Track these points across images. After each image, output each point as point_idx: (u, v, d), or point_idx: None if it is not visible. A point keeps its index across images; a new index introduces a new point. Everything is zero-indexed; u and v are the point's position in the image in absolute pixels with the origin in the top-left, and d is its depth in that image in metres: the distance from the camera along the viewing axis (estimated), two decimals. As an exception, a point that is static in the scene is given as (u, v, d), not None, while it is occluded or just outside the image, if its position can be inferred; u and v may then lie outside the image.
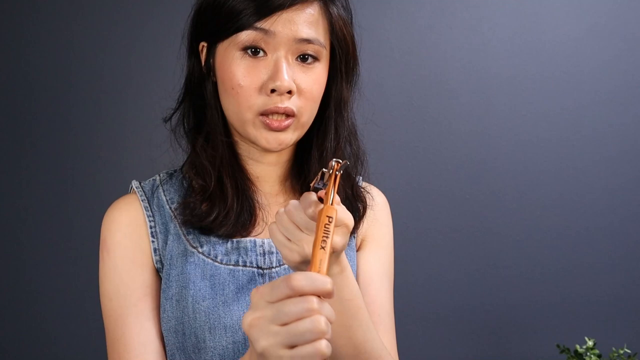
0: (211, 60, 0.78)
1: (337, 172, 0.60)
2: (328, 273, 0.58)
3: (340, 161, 0.61)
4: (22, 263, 1.63)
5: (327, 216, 0.56)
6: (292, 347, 0.50)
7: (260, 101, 0.73)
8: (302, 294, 0.51)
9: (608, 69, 1.67)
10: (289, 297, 0.51)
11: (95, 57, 1.63)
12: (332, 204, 0.57)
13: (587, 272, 1.68)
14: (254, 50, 0.73)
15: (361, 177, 0.87)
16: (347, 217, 0.62)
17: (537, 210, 1.68)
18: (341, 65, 0.78)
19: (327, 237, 0.55)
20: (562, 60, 1.67)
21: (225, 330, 0.74)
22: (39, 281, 1.63)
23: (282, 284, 0.51)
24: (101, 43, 1.63)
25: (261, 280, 0.77)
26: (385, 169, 1.63)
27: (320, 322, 0.50)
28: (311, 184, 0.64)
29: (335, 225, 0.58)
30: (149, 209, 0.80)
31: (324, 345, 0.50)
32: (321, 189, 0.63)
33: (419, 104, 1.67)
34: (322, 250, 0.54)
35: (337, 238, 0.61)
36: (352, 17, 0.80)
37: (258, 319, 0.52)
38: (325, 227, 0.55)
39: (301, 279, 0.51)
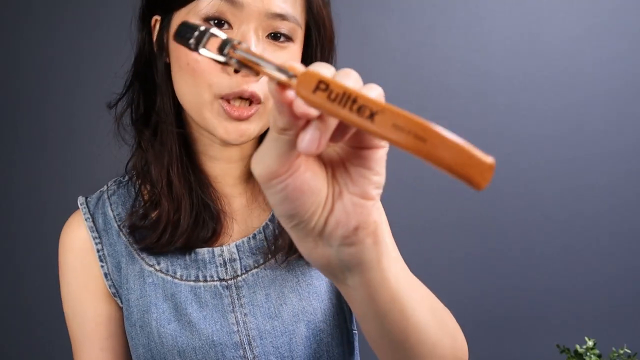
0: (165, 36, 0.66)
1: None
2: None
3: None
4: (21, 263, 1.63)
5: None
6: None
7: (222, 82, 0.62)
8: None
9: (608, 68, 1.67)
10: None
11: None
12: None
13: (587, 272, 1.68)
14: (217, 22, 0.62)
15: None
16: None
17: (537, 209, 1.67)
18: (316, 51, 0.68)
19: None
20: (562, 59, 1.67)
21: (196, 352, 0.67)
22: (39, 281, 1.63)
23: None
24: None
25: (227, 293, 0.69)
26: (385, 168, 1.63)
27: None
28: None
29: None
30: (94, 229, 0.71)
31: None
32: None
33: (419, 104, 1.66)
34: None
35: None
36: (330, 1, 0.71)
37: None
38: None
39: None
